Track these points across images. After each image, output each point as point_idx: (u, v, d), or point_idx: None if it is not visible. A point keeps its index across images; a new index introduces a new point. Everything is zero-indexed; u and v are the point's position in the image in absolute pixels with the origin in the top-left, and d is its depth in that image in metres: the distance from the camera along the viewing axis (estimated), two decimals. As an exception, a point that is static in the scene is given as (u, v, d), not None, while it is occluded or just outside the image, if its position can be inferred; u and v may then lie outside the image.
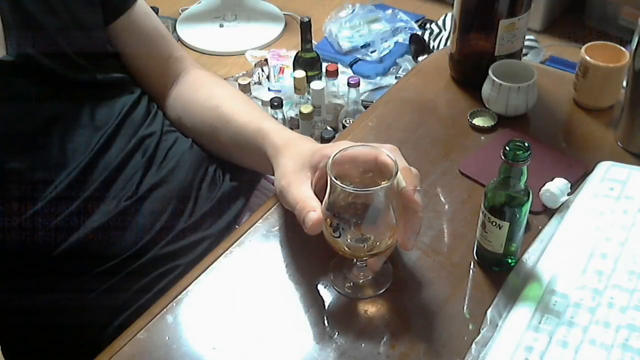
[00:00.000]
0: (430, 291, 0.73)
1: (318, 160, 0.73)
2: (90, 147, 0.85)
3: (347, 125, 1.99)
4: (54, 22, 0.83)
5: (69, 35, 0.84)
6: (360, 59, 2.38)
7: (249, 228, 0.81)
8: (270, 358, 0.68)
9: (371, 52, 2.39)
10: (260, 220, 0.81)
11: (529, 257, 0.75)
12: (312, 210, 0.68)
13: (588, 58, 0.91)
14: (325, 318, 0.71)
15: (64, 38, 0.84)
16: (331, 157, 0.66)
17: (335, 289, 0.74)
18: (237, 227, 0.87)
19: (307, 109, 1.94)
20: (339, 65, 2.19)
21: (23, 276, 0.83)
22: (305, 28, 2.05)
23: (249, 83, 2.09)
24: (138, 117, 0.91)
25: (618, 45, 0.93)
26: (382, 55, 2.38)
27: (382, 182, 0.66)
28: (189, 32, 2.62)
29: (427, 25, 2.50)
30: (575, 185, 0.82)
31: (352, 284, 0.74)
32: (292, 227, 0.78)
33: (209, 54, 2.54)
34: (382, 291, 0.73)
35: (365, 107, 2.03)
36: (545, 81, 0.98)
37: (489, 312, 0.69)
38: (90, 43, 0.88)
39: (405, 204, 0.66)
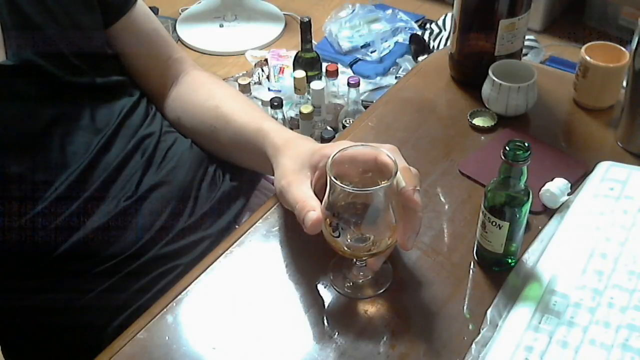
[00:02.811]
0: (430, 291, 0.73)
1: (318, 160, 0.73)
2: (90, 149, 0.85)
3: (347, 125, 1.99)
4: (53, 24, 0.83)
5: (67, 37, 0.84)
6: (360, 59, 2.38)
7: (249, 228, 0.81)
8: (270, 358, 0.68)
9: (371, 52, 2.39)
10: (260, 220, 0.81)
11: (529, 257, 0.75)
12: (312, 209, 0.68)
13: (588, 58, 0.91)
14: (325, 318, 0.71)
15: (63, 40, 0.84)
16: (331, 157, 0.66)
17: (335, 289, 0.74)
18: (237, 227, 0.87)
19: (307, 109, 1.94)
20: (339, 65, 2.19)
21: (23, 276, 0.83)
22: (305, 28, 2.05)
23: (249, 83, 2.09)
24: (137, 118, 0.91)
25: (618, 45, 0.93)
26: (382, 55, 2.38)
27: (382, 182, 0.66)
28: (189, 32, 2.62)
29: (427, 25, 2.50)
30: (575, 185, 0.82)
31: (352, 283, 0.74)
32: (292, 227, 0.78)
33: (209, 54, 2.54)
34: (382, 291, 0.73)
35: (365, 107, 2.03)
36: (545, 81, 0.98)
37: (489, 312, 0.69)
38: (89, 45, 0.88)
39: (404, 203, 0.66)
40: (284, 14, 2.69)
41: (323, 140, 1.87)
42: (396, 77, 2.28)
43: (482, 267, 0.75)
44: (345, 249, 0.68)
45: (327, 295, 0.73)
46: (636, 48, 0.82)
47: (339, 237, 0.67)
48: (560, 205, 0.80)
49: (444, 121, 0.97)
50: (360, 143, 0.70)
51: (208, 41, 2.58)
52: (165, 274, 0.85)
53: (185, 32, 2.63)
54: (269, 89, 2.22)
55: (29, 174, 0.80)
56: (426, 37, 2.42)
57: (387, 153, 0.67)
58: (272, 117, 1.39)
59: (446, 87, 1.02)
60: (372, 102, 1.97)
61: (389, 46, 2.42)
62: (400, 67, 2.33)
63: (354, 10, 2.56)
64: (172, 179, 0.90)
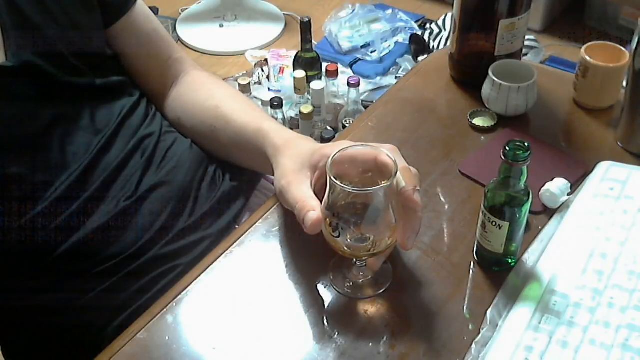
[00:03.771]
0: (430, 291, 0.73)
1: (318, 160, 0.73)
2: (90, 149, 0.85)
3: (347, 125, 1.99)
4: (53, 25, 0.83)
5: (67, 38, 0.84)
6: (360, 59, 2.38)
7: (249, 228, 0.81)
8: (270, 358, 0.68)
9: (371, 52, 2.39)
10: (260, 220, 0.81)
11: (529, 257, 0.75)
12: (312, 209, 0.68)
13: (588, 58, 0.91)
14: (325, 318, 0.71)
15: (62, 41, 0.84)
16: (331, 157, 0.66)
17: (335, 289, 0.74)
18: (237, 227, 0.87)
19: (307, 109, 1.94)
20: (339, 65, 2.19)
21: (23, 276, 0.83)
22: (305, 28, 2.05)
23: (249, 83, 2.09)
24: (137, 118, 0.91)
25: (618, 45, 0.93)
26: (382, 55, 2.38)
27: (382, 182, 0.66)
28: (189, 32, 2.62)
29: (427, 25, 2.50)
30: (575, 185, 0.82)
31: (351, 283, 0.74)
32: (292, 227, 0.78)
33: (209, 54, 2.54)
34: (382, 291, 0.73)
35: (365, 107, 2.03)
36: (545, 81, 0.98)
37: (489, 312, 0.69)
38: (89, 45, 0.88)
39: (404, 203, 0.66)
40: (284, 14, 2.69)
41: (323, 140, 1.87)
42: (396, 77, 2.28)
43: (482, 267, 0.75)
44: (345, 249, 0.68)
45: (327, 295, 0.73)
46: (636, 48, 0.82)
47: (339, 237, 0.67)
48: (560, 205, 0.80)
49: (444, 121, 0.97)
50: (360, 143, 0.70)
51: (208, 41, 2.58)
52: (165, 274, 0.85)
53: (185, 32, 2.63)
54: (269, 89, 2.22)
55: (29, 174, 0.80)
56: (426, 37, 2.42)
57: (387, 153, 0.67)
58: (272, 117, 1.39)
59: (446, 87, 1.02)
60: (372, 102, 1.97)
61: (389, 46, 2.42)
62: (400, 67, 2.33)
63: (354, 10, 2.56)
64: (172, 179, 0.90)
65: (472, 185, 0.85)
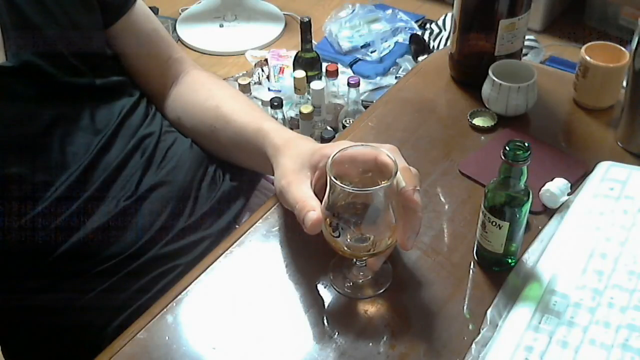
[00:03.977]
0: (430, 291, 0.73)
1: (318, 160, 0.73)
2: (90, 149, 0.85)
3: (347, 125, 1.99)
4: (52, 25, 0.83)
5: (67, 38, 0.84)
6: (360, 59, 2.38)
7: (249, 228, 0.81)
8: (270, 358, 0.68)
9: (371, 52, 2.39)
10: (260, 220, 0.81)
11: (529, 257, 0.75)
12: (312, 209, 0.68)
13: (588, 58, 0.91)
14: (325, 318, 0.71)
15: (62, 41, 0.84)
16: (331, 157, 0.66)
17: (335, 289, 0.74)
18: (237, 227, 0.88)
19: (307, 109, 1.94)
20: (339, 65, 2.19)
21: (23, 276, 0.83)
22: (305, 28, 2.05)
23: (249, 83, 2.09)
24: (137, 118, 0.91)
25: (618, 45, 0.93)
26: (382, 55, 2.38)
27: (382, 182, 0.66)
28: (189, 32, 2.62)
29: (427, 25, 2.50)
30: (575, 185, 0.82)
31: (351, 283, 0.74)
32: (292, 227, 0.78)
33: (209, 54, 2.54)
34: (381, 291, 0.73)
35: (365, 107, 2.03)
36: (545, 81, 0.98)
37: (489, 312, 0.69)
38: (89, 45, 0.88)
39: (404, 203, 0.66)
40: (284, 14, 2.69)
41: (323, 140, 1.87)
42: (396, 77, 2.28)
43: (482, 267, 0.75)
44: (345, 249, 0.68)
45: (327, 295, 0.73)
46: (636, 48, 0.82)
47: (339, 237, 0.67)
48: (560, 205, 0.80)
49: (444, 121, 0.97)
50: (360, 143, 0.70)
51: (208, 41, 2.58)
52: (165, 274, 0.85)
53: (185, 32, 2.63)
54: (269, 89, 2.22)
55: (29, 175, 0.80)
56: (426, 37, 2.42)
57: (387, 153, 0.67)
58: (272, 117, 1.39)
59: (446, 87, 1.02)
60: (372, 102, 1.97)
61: (389, 46, 2.42)
62: (400, 67, 2.33)
63: (354, 10, 2.56)
64: (172, 178, 0.90)
65: (472, 185, 0.85)
